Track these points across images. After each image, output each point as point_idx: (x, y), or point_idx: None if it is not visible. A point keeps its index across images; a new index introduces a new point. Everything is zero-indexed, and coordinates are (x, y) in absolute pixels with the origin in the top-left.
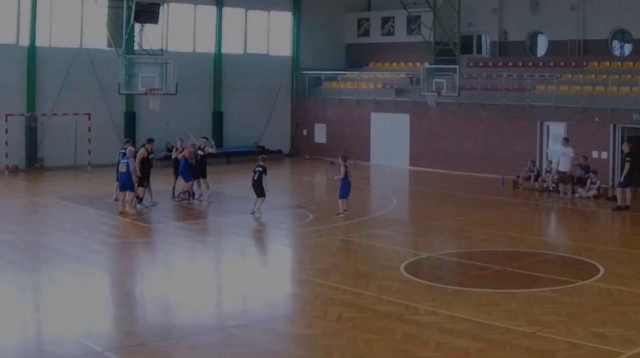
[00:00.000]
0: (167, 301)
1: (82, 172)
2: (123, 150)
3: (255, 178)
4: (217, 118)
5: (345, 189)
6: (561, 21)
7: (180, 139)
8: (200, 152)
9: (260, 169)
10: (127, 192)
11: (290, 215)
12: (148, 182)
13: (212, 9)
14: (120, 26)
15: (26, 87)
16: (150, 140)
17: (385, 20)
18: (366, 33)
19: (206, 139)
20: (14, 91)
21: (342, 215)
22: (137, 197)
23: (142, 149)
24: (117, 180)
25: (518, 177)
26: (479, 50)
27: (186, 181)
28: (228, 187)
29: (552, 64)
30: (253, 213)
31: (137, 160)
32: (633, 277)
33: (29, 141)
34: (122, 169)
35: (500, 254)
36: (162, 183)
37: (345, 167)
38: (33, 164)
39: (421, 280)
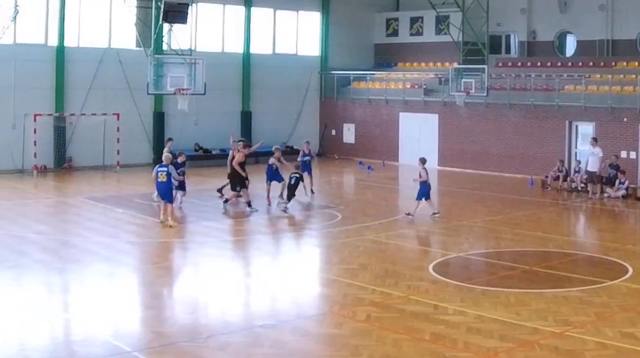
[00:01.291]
0: (195, 301)
1: (110, 172)
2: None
3: (293, 183)
4: (246, 118)
5: (423, 191)
6: (590, 21)
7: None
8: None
9: (298, 175)
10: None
11: (319, 215)
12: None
13: (241, 9)
14: (149, 26)
15: (55, 87)
16: (241, 141)
17: (413, 20)
18: (395, 33)
19: (243, 140)
20: (43, 91)
21: (412, 215)
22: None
23: (239, 153)
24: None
25: (547, 177)
26: (508, 50)
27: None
28: (256, 188)
29: (580, 64)
30: (286, 209)
31: (236, 163)
32: None
33: (58, 141)
34: (162, 178)
35: (528, 254)
36: (194, 183)
37: (425, 169)
38: (62, 164)
39: (450, 280)
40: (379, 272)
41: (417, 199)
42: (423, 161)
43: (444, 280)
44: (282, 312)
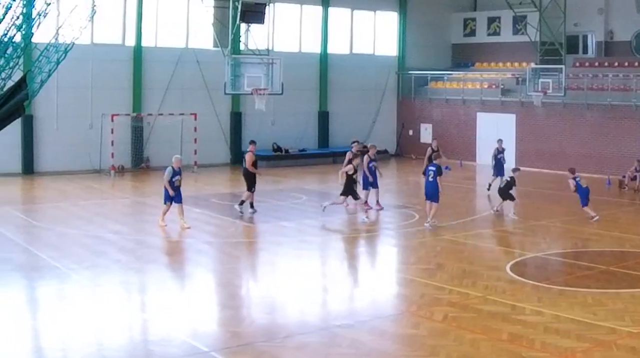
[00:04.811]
0: (272, 301)
1: (188, 172)
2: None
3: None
4: (323, 118)
5: (584, 197)
6: None
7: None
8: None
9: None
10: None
11: (396, 215)
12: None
13: (318, 9)
14: (226, 26)
15: (132, 87)
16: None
17: (491, 20)
18: (472, 33)
19: (361, 144)
20: (120, 91)
21: (596, 217)
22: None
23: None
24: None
25: (624, 177)
26: (585, 50)
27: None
28: (333, 187)
29: None
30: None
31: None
32: None
33: (135, 141)
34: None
35: (606, 254)
36: (270, 182)
37: (574, 178)
38: (139, 164)
39: (527, 280)
40: (456, 272)
41: (583, 206)
42: (572, 171)
43: (521, 280)
44: (360, 312)
